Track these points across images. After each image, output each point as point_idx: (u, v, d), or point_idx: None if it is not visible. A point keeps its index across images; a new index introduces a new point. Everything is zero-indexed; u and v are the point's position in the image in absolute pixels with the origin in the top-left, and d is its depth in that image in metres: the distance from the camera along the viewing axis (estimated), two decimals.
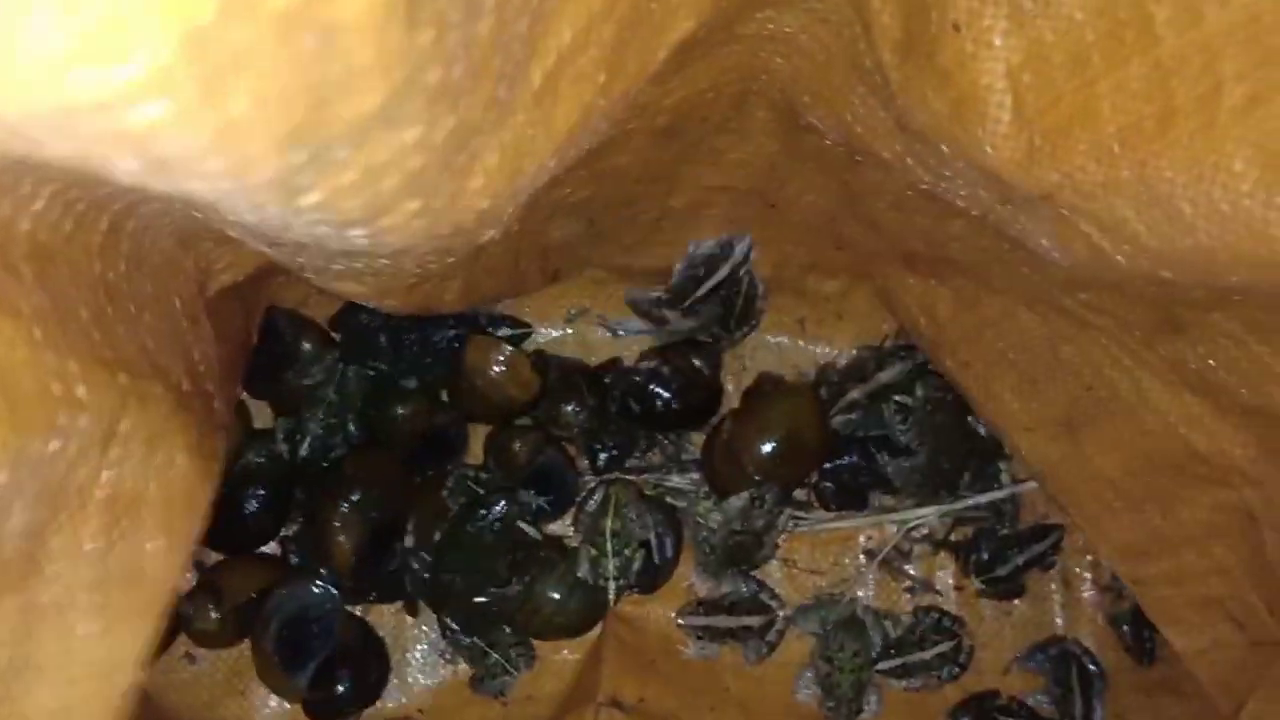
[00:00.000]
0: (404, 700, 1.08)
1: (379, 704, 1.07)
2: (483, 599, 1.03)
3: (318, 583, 0.99)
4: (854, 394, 1.07)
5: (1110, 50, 0.53)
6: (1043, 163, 0.58)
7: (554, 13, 0.48)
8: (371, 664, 1.05)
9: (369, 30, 0.35)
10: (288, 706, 1.05)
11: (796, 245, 1.00)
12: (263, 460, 1.05)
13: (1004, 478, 1.09)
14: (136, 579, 0.57)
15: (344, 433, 1.08)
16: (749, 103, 0.77)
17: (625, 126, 0.74)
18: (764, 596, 1.09)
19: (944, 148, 0.63)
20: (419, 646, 1.09)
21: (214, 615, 1.00)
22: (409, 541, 1.03)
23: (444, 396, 1.10)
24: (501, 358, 1.02)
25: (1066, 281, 0.81)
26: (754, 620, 1.07)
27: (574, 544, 1.07)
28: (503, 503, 1.02)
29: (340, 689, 1.01)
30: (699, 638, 1.08)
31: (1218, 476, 0.86)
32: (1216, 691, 0.89)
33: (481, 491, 1.04)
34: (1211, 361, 0.78)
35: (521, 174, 0.52)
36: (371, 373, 1.07)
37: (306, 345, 1.04)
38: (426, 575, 1.03)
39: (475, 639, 1.06)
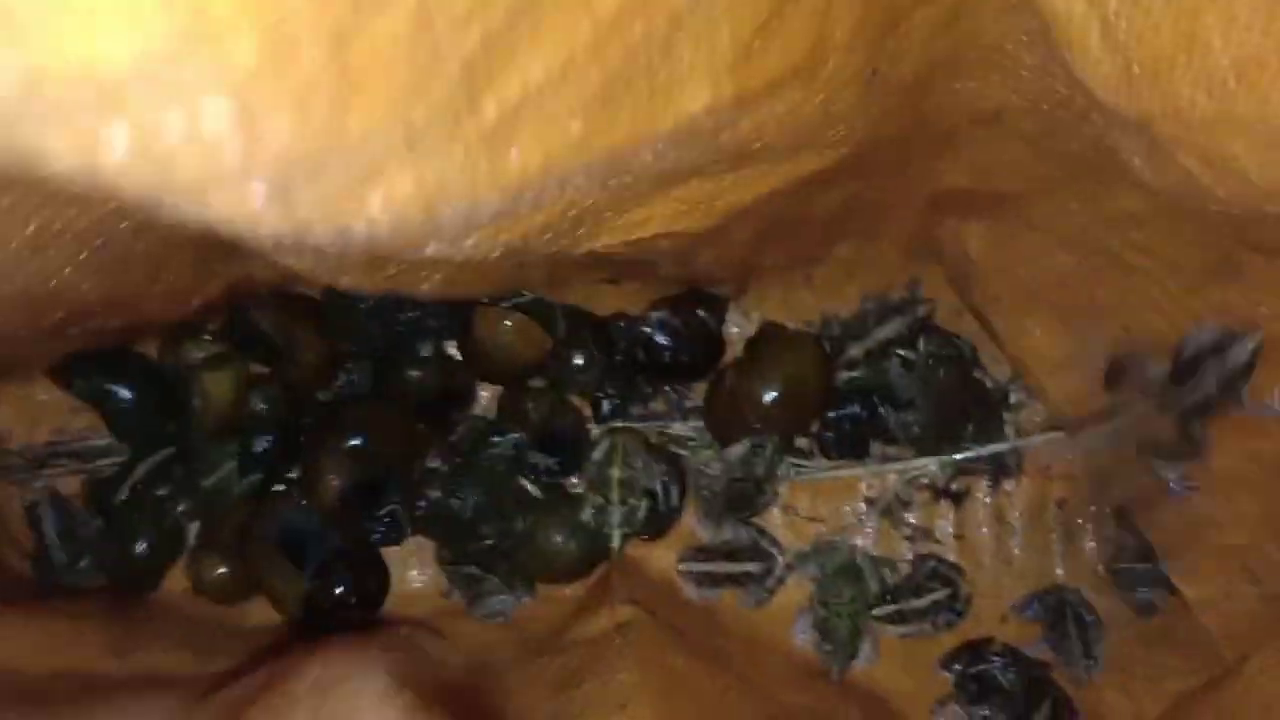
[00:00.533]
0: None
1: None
2: (487, 529, 1.04)
3: (303, 502, 1.03)
4: (853, 351, 1.08)
5: None
6: (1141, 91, 0.56)
7: (524, 41, 0.42)
8: (369, 569, 1.07)
9: None
10: None
11: (810, 239, 1.00)
12: (265, 406, 1.05)
13: (1008, 430, 1.10)
14: None
15: (351, 386, 1.09)
16: (811, 189, 0.76)
17: (671, 226, 0.72)
18: (764, 543, 1.10)
19: (1045, 49, 0.61)
20: (416, 580, 1.11)
21: (221, 568, 1.03)
22: (415, 479, 1.05)
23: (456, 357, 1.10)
24: (511, 324, 1.03)
25: (1119, 217, 0.80)
26: (754, 567, 1.09)
27: (577, 489, 1.09)
28: (516, 436, 1.04)
29: (340, 589, 1.02)
30: (699, 584, 1.10)
31: (1255, 426, 0.85)
32: (1223, 642, 0.91)
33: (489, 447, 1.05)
34: (1263, 308, 0.78)
35: (445, 207, 0.46)
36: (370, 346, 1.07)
37: (297, 333, 1.04)
38: (426, 508, 1.04)
39: (474, 567, 1.07)
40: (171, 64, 0.26)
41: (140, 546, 1.03)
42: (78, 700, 0.82)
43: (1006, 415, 1.11)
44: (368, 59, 0.34)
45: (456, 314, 1.07)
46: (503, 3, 0.39)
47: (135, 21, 0.24)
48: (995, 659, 1.07)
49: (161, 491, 1.03)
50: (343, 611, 1.03)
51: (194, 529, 1.07)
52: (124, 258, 0.69)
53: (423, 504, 1.04)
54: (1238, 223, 0.61)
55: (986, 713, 1.05)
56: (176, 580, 1.07)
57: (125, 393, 1.02)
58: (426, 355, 1.07)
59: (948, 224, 0.96)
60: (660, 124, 0.52)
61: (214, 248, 0.79)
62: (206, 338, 1.03)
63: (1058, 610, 1.08)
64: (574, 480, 1.10)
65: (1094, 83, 0.58)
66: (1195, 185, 0.60)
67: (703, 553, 1.10)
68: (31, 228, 0.57)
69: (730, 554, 1.09)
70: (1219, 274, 0.76)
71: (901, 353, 1.07)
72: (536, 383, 1.10)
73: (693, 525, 1.11)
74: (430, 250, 0.55)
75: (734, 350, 1.12)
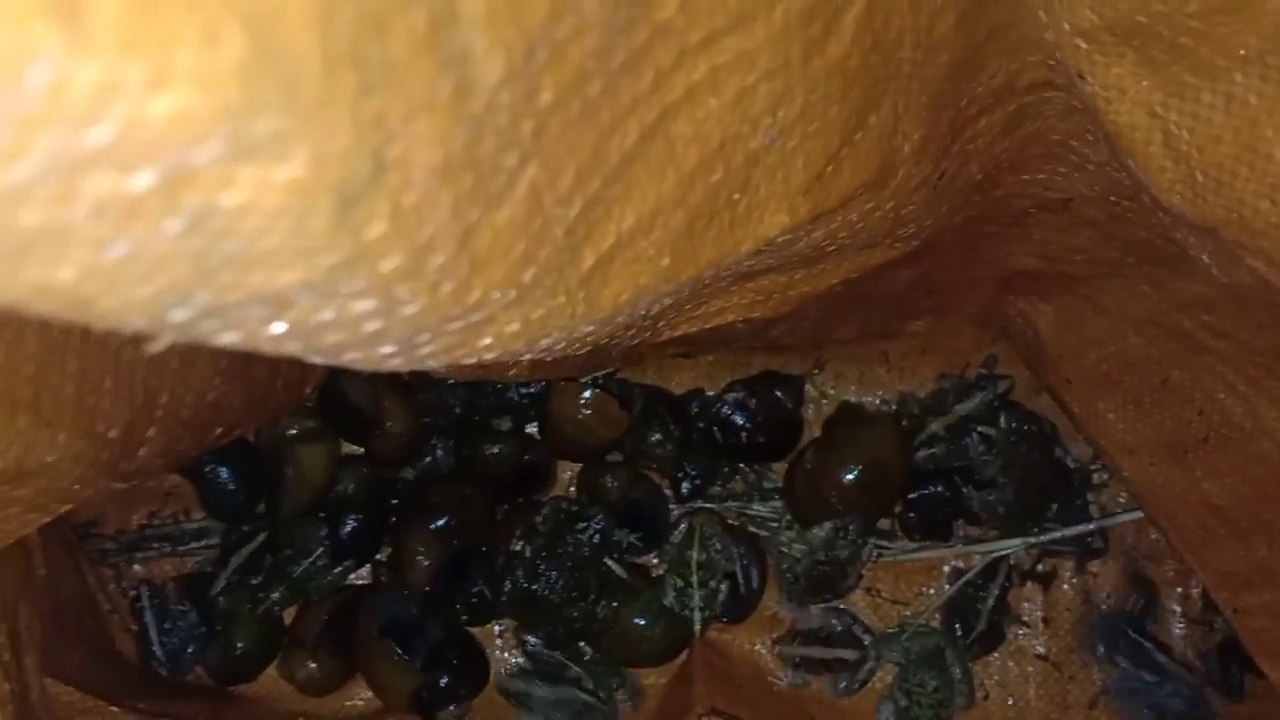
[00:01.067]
0: None
1: None
2: (571, 612, 1.05)
3: (398, 593, 1.05)
4: (934, 427, 1.08)
5: (1268, 93, 0.53)
6: (1206, 198, 0.57)
7: (618, 201, 0.45)
8: (474, 651, 1.09)
9: None
10: None
11: (882, 313, 1.00)
12: (353, 487, 1.08)
13: (1092, 509, 1.09)
14: None
15: (434, 463, 1.12)
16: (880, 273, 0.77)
17: (749, 314, 0.74)
18: (857, 630, 1.10)
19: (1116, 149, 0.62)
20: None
21: (311, 663, 1.06)
22: (500, 561, 1.06)
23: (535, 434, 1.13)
24: (589, 402, 1.05)
25: (1191, 301, 0.81)
26: (849, 654, 1.09)
27: (659, 571, 1.09)
28: (600, 516, 1.05)
29: (450, 675, 1.04)
30: (796, 666, 1.10)
31: None
32: None
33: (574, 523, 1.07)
34: None
35: (546, 337, 0.49)
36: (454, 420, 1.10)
37: (387, 405, 1.07)
38: (511, 591, 1.05)
39: (557, 653, 1.08)
40: (332, 283, 0.30)
41: (241, 644, 1.06)
42: None
43: (1090, 495, 1.09)
44: (489, 245, 0.37)
45: (537, 393, 1.10)
46: (600, 173, 0.42)
47: (307, 257, 0.27)
48: None
49: (254, 581, 1.06)
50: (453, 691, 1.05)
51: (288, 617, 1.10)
52: (247, 357, 0.75)
53: (508, 587, 1.06)
54: None
55: None
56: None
57: (224, 470, 1.06)
58: (505, 430, 1.09)
59: (1018, 305, 0.97)
60: (741, 247, 0.54)
61: None
62: (302, 414, 1.07)
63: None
64: (655, 562, 1.11)
65: (1158, 189, 0.60)
66: (1264, 283, 0.60)
67: (799, 636, 1.10)
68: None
69: (827, 639, 1.09)
70: None
71: (982, 429, 1.07)
72: (614, 458, 1.12)
73: (774, 609, 1.11)
74: (526, 355, 0.61)
75: (812, 431, 1.13)
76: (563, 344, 0.57)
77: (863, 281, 0.81)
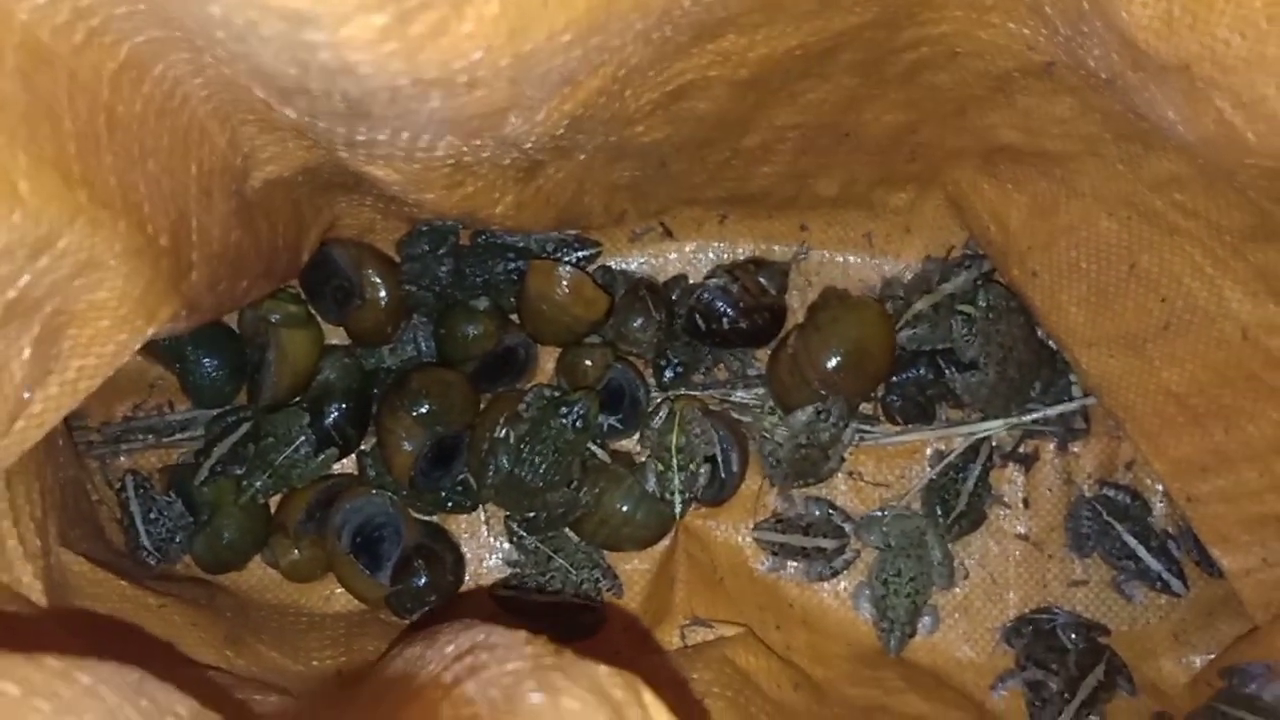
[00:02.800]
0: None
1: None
2: (557, 498, 1.07)
3: (373, 491, 1.07)
4: (919, 306, 1.09)
5: None
6: (1182, 32, 0.58)
7: None
8: (446, 556, 1.11)
9: None
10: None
11: (867, 164, 1.02)
12: (336, 375, 1.10)
13: (1075, 390, 1.10)
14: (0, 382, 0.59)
15: (416, 349, 1.13)
16: (837, 49, 0.78)
17: (706, 73, 0.76)
18: (836, 518, 1.12)
19: (1085, 4, 0.64)
20: (493, 558, 1.14)
21: (294, 551, 1.08)
22: (484, 446, 1.08)
23: (514, 319, 1.14)
24: (566, 280, 1.05)
25: (1164, 179, 0.82)
26: (827, 543, 1.11)
27: (642, 459, 1.11)
28: (582, 402, 1.06)
29: (421, 581, 1.07)
30: (774, 553, 1.13)
31: None
32: (1258, 611, 0.92)
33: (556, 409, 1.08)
34: None
35: (526, 37, 0.53)
36: (435, 295, 1.11)
37: (370, 274, 1.09)
38: (494, 477, 1.08)
39: (540, 544, 1.11)
40: None
41: (227, 534, 1.09)
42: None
43: (1073, 376, 1.10)
44: None
45: (517, 271, 1.11)
46: None
47: None
48: (1059, 614, 1.09)
49: (238, 470, 1.08)
50: (423, 597, 1.07)
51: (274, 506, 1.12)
52: (251, 206, 0.80)
53: (491, 472, 1.08)
54: (1272, 177, 0.62)
55: (1045, 674, 1.06)
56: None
57: (206, 357, 1.09)
58: (483, 310, 1.10)
59: (991, 196, 0.97)
60: None
61: (307, 189, 0.89)
62: (284, 299, 1.09)
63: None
64: (638, 450, 1.12)
65: (1137, 26, 0.60)
66: (1228, 131, 0.62)
67: (780, 523, 1.12)
68: (194, 169, 0.68)
69: (806, 528, 1.11)
70: (1257, 235, 0.78)
71: (962, 308, 1.07)
72: (593, 339, 1.13)
73: (755, 495, 1.13)
74: (510, 125, 0.64)
75: (796, 317, 1.14)
76: (540, 95, 0.59)
77: (838, 106, 0.86)
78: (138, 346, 0.65)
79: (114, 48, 0.55)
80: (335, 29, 0.46)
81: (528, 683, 0.44)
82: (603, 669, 0.48)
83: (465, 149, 0.68)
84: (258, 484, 1.08)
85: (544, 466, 1.06)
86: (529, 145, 0.71)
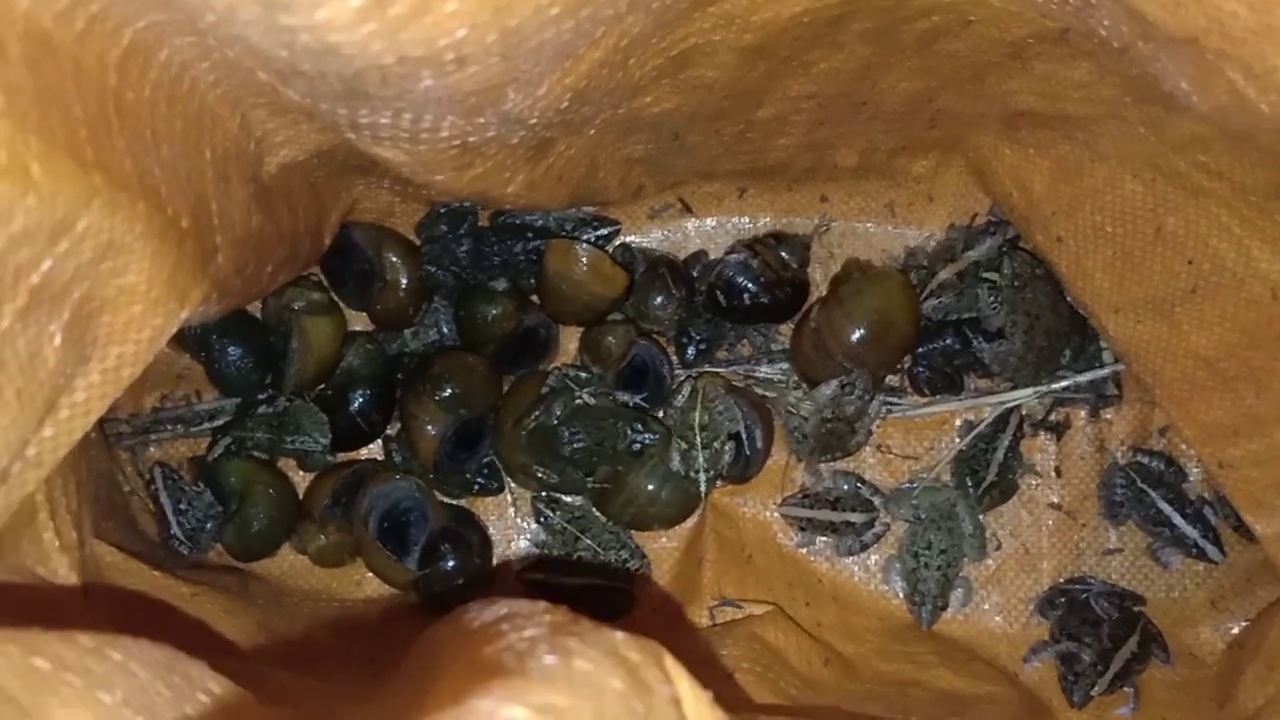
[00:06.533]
0: None
1: None
2: (592, 478, 1.10)
3: (398, 476, 1.10)
4: (943, 275, 1.10)
5: None
6: (1189, 5, 0.58)
7: None
8: (473, 539, 1.13)
9: None
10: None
11: (886, 132, 1.02)
12: (359, 361, 1.12)
13: (1106, 356, 1.11)
14: (33, 368, 0.60)
15: (438, 333, 1.15)
16: (845, 18, 0.79)
17: (710, 37, 0.77)
18: (865, 492, 1.14)
19: None
20: (521, 539, 1.17)
21: (321, 536, 1.11)
22: (508, 427, 1.11)
23: (535, 299, 1.16)
24: (584, 258, 1.07)
25: (1186, 141, 0.83)
26: (856, 517, 1.13)
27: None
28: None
29: (449, 564, 1.10)
30: (802, 529, 1.14)
31: None
32: None
33: (579, 388, 1.10)
34: None
35: (511, 12, 0.54)
36: (455, 276, 1.13)
37: (390, 256, 1.11)
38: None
39: (567, 524, 1.13)
40: None
41: (256, 523, 1.12)
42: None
43: (1103, 341, 1.11)
44: None
45: (536, 251, 1.13)
46: None
47: None
48: (1093, 583, 1.10)
49: (263, 457, 1.12)
50: (453, 580, 1.10)
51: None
52: (269, 191, 0.82)
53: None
54: None
55: (1078, 647, 1.07)
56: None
57: (231, 346, 1.11)
58: (502, 290, 1.12)
59: (1013, 162, 0.98)
60: None
61: (324, 172, 0.91)
62: (307, 287, 1.12)
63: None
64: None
65: (1141, 0, 0.60)
66: (1241, 102, 0.62)
67: (807, 498, 1.14)
68: (209, 154, 0.70)
69: (835, 502, 1.13)
70: None
71: (987, 276, 1.08)
72: (615, 317, 1.15)
73: (782, 470, 1.14)
74: (510, 101, 0.65)
75: (820, 291, 1.15)
76: (539, 71, 0.61)
77: (853, 77, 0.87)
78: (174, 330, 0.68)
79: (116, 34, 0.57)
80: (310, 12, 0.48)
81: (541, 646, 0.46)
82: (620, 635, 0.50)
83: (469, 128, 0.70)
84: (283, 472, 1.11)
85: (580, 444, 1.08)
86: (534, 121, 0.73)
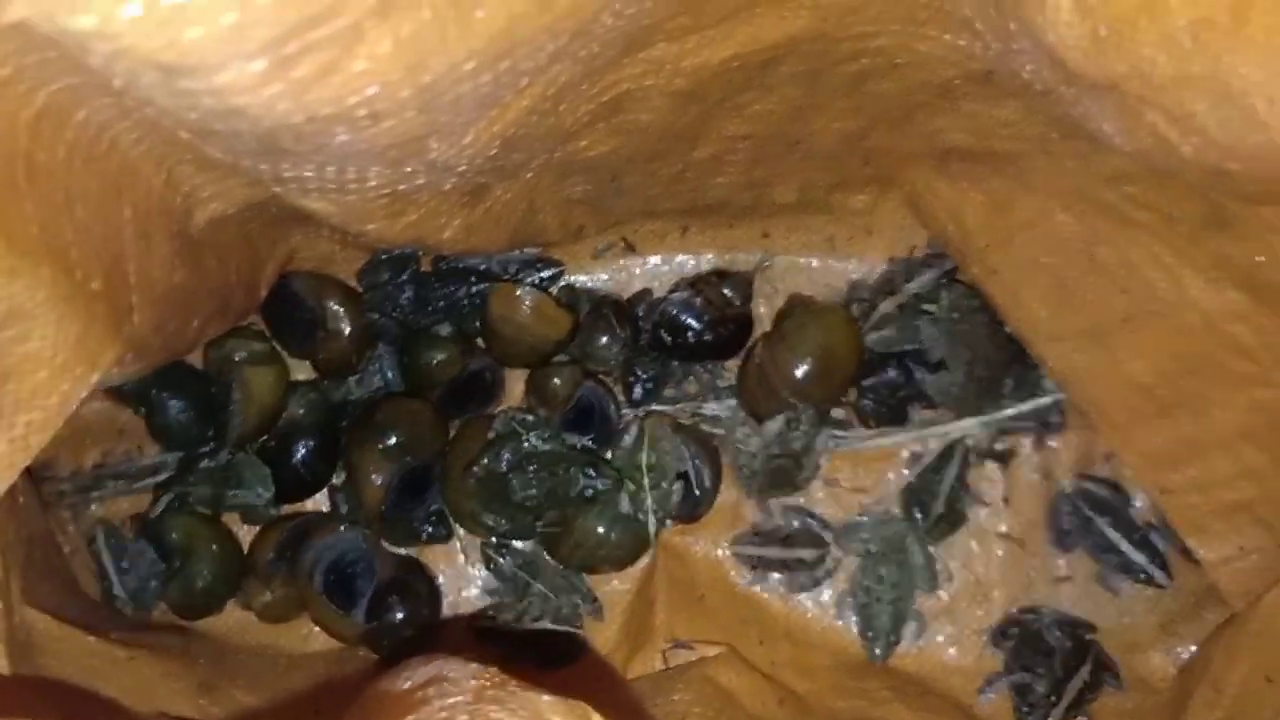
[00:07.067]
0: None
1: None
2: (541, 523, 1.09)
3: (343, 527, 1.09)
4: (885, 307, 1.11)
5: None
6: (1109, 52, 0.59)
7: None
8: (421, 589, 1.12)
9: None
10: None
11: (822, 170, 1.03)
12: (303, 410, 1.11)
13: (1047, 384, 1.11)
14: None
15: (382, 379, 1.15)
16: (775, 61, 0.80)
17: (642, 82, 0.77)
18: (815, 527, 1.14)
19: (1011, 25, 0.65)
20: (471, 587, 1.16)
21: (266, 592, 1.10)
22: (456, 473, 1.10)
23: (480, 343, 1.16)
24: (527, 301, 1.07)
25: (1113, 174, 0.84)
26: (807, 553, 1.13)
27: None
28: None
29: (397, 616, 1.08)
30: (753, 567, 1.14)
31: (1259, 375, 0.89)
32: (1237, 600, 0.93)
33: (526, 431, 1.09)
34: (1260, 257, 0.82)
35: (425, 69, 0.53)
36: (399, 323, 1.12)
37: (331, 304, 1.10)
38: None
39: (518, 570, 1.12)
40: None
41: (201, 579, 1.10)
42: None
43: (1044, 370, 1.11)
44: None
45: (481, 294, 1.12)
46: None
47: None
48: (1044, 613, 1.10)
49: (206, 512, 1.11)
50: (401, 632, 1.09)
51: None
52: (197, 245, 0.81)
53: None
54: (1217, 176, 0.63)
55: (1031, 678, 1.07)
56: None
57: (172, 399, 1.10)
58: (447, 335, 1.12)
59: (946, 195, 1.00)
60: None
61: (258, 224, 0.90)
62: (248, 336, 1.11)
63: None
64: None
65: (1064, 47, 0.62)
66: (1164, 145, 0.63)
67: (758, 536, 1.14)
68: (129, 212, 0.69)
69: (785, 539, 1.13)
70: (1210, 224, 0.80)
71: (927, 308, 1.09)
72: (561, 358, 1.15)
73: (733, 508, 1.14)
74: (434, 151, 0.65)
75: (764, 326, 1.16)
76: (459, 119, 0.61)
77: (784, 116, 0.88)
78: (84, 395, 0.67)
79: (29, 95, 0.56)
80: (209, 78, 0.47)
81: (461, 717, 0.45)
82: (546, 698, 0.49)
83: (397, 177, 0.70)
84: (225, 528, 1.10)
85: (532, 491, 1.07)
86: (463, 168, 0.73)
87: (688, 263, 1.17)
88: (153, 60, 0.44)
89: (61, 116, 0.60)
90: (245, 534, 1.14)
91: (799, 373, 1.07)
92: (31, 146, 0.58)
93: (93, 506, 1.14)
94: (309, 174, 0.67)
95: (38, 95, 0.57)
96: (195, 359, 1.13)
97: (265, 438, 1.12)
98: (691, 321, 1.10)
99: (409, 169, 0.69)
